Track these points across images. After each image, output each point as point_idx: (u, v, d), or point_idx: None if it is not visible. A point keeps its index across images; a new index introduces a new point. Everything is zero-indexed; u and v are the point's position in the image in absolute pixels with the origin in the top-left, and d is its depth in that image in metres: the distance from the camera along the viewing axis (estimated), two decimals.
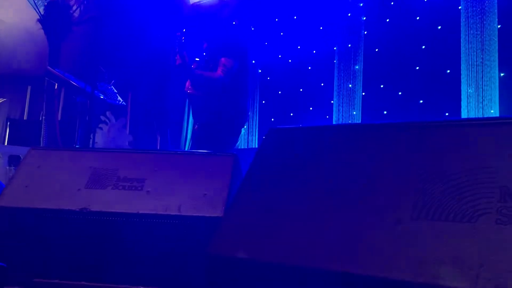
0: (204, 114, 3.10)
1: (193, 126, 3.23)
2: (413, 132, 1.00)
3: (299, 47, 7.12)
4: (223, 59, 2.99)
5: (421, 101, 6.22)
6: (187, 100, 3.25)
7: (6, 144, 6.99)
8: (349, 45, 6.69)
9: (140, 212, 1.63)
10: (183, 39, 2.98)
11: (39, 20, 7.27)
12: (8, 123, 7.45)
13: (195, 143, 3.17)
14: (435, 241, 0.78)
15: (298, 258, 0.85)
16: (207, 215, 1.57)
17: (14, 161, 5.67)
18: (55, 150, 1.93)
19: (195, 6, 3.17)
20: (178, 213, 1.61)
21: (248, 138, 7.17)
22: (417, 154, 0.94)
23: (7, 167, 5.67)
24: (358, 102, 6.73)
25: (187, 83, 3.14)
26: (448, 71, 6.07)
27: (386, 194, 0.91)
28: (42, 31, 7.27)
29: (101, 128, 7.00)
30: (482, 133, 0.91)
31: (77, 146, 3.51)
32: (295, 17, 7.12)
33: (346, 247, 0.85)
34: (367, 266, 0.80)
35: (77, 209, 1.66)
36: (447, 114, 6.00)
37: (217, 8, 3.20)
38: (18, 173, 1.82)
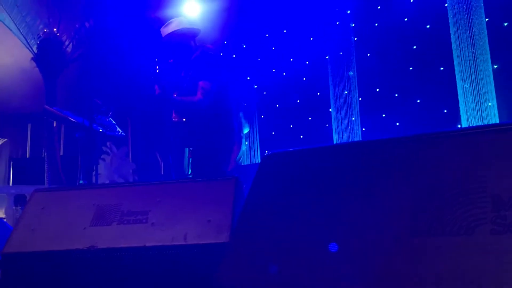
0: (192, 139, 3.14)
1: (188, 154, 3.26)
2: (401, 148, 1.00)
3: (291, 59, 7.18)
4: (201, 82, 3.08)
5: (418, 101, 6.25)
6: (174, 129, 3.29)
7: (11, 184, 7.02)
8: (341, 53, 6.75)
9: (147, 245, 1.63)
10: (157, 69, 3.04)
11: (33, 59, 7.35)
12: (11, 162, 7.50)
13: (192, 169, 3.20)
14: (433, 257, 0.78)
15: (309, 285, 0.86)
16: (213, 241, 1.57)
17: (20, 200, 5.69)
18: (58, 191, 1.94)
19: (169, 36, 3.23)
20: (184, 243, 1.61)
21: (251, 153, 7.19)
22: (408, 169, 0.95)
23: (14, 207, 5.69)
24: (356, 108, 6.76)
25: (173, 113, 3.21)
26: (442, 68, 6.11)
27: (383, 212, 0.91)
28: (37, 69, 7.35)
29: (103, 159, 7.04)
30: (470, 142, 0.92)
31: (80, 181, 3.53)
32: (285, 31, 7.20)
33: (350, 271, 0.86)
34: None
35: (84, 248, 1.67)
36: (445, 111, 6.02)
37: (189, 36, 3.27)
38: (23, 217, 1.83)
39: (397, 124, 6.35)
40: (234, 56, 7.42)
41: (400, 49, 6.30)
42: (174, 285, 1.57)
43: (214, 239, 1.59)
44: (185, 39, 3.25)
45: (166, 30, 3.25)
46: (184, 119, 3.17)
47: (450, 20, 5.81)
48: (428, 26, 6.20)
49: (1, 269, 1.79)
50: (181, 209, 1.73)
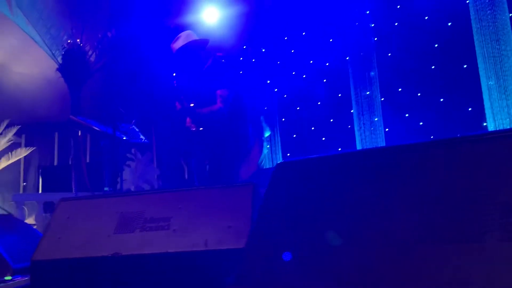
0: (211, 148, 3.21)
1: (204, 163, 3.34)
2: (411, 155, 1.00)
3: (311, 61, 7.16)
4: (218, 91, 3.16)
5: (441, 99, 6.15)
6: (188, 137, 3.38)
7: (40, 191, 7.21)
8: (361, 53, 6.69)
9: (169, 251, 1.67)
10: (175, 84, 3.13)
11: (58, 69, 7.55)
12: (40, 170, 7.70)
13: (210, 177, 3.27)
14: (443, 264, 0.78)
15: None
16: (233, 247, 1.60)
17: (49, 207, 5.84)
18: (82, 200, 2.01)
19: (180, 50, 3.32)
20: (205, 248, 1.64)
21: (272, 157, 7.21)
22: (417, 176, 0.95)
23: (43, 214, 5.85)
24: (378, 108, 6.69)
25: (188, 120, 3.28)
26: (465, 66, 5.99)
27: (394, 219, 0.91)
28: (62, 79, 7.54)
29: (129, 166, 7.17)
30: (479, 149, 0.91)
31: (106, 188, 3.61)
32: (304, 33, 7.19)
33: (361, 278, 0.86)
34: None
35: (109, 255, 1.72)
36: (470, 109, 5.91)
37: (199, 47, 3.36)
38: (50, 226, 1.90)
39: (421, 123, 6.26)
40: (253, 60, 7.45)
41: (421, 47, 6.21)
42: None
43: (233, 244, 1.61)
44: (196, 50, 3.35)
45: (176, 45, 3.35)
46: (201, 128, 3.24)
47: (472, 17, 5.70)
48: (449, 24, 6.10)
49: (31, 275, 1.86)
50: (201, 215, 1.76)
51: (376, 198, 0.98)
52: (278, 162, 1.20)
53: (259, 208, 1.19)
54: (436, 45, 6.18)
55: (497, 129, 5.43)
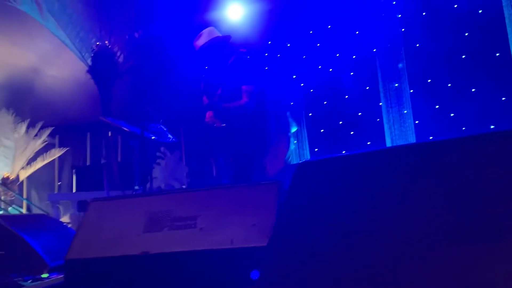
0: (237, 143, 3.22)
1: (226, 158, 3.35)
2: (434, 152, 0.98)
3: (337, 54, 7.08)
4: (244, 86, 3.17)
5: (473, 89, 5.98)
6: (209, 133, 3.39)
7: (74, 191, 7.43)
8: (389, 45, 6.57)
9: (196, 249, 1.70)
10: (204, 77, 3.16)
11: (88, 71, 7.74)
12: (74, 170, 7.93)
13: (233, 173, 3.28)
14: (466, 266, 0.76)
15: None
16: (258, 245, 1.61)
17: (83, 206, 6.01)
18: (112, 200, 2.06)
19: (203, 47, 3.34)
20: (231, 246, 1.66)
21: (300, 152, 7.17)
22: (442, 174, 0.93)
23: (77, 213, 6.03)
24: (407, 101, 6.56)
25: (208, 114, 3.29)
26: (498, 54, 5.81)
27: (418, 218, 0.90)
28: (92, 81, 7.73)
29: (158, 164, 7.29)
30: (504, 146, 0.88)
31: (136, 187, 3.68)
32: (329, 26, 7.11)
33: (387, 276, 0.86)
34: None
35: (139, 254, 1.76)
36: (503, 98, 5.72)
37: (221, 43, 3.38)
38: (82, 226, 1.96)
39: (452, 115, 6.10)
40: (279, 55, 7.42)
41: (451, 37, 6.04)
42: (222, 285, 1.63)
43: (259, 242, 1.62)
44: (219, 47, 3.37)
45: (199, 43, 3.38)
46: (223, 124, 3.26)
47: (504, 3, 5.52)
48: (480, 11, 5.92)
49: (65, 274, 1.93)
50: (227, 213, 1.78)
51: (400, 197, 0.97)
52: (299, 161, 1.20)
53: (281, 207, 1.20)
54: (466, 34, 6.01)
55: None
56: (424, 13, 6.34)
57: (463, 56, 6.02)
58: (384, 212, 0.96)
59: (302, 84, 7.36)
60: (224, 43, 3.42)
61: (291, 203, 1.12)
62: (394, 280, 0.85)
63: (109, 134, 3.94)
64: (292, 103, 7.28)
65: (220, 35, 3.47)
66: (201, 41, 3.37)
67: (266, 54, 7.42)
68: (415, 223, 0.95)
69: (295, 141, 7.10)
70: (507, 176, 0.90)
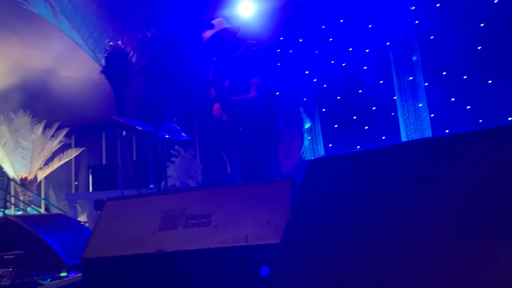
0: (241, 138, 3.17)
1: (235, 155, 3.31)
2: (448, 147, 0.96)
3: (350, 49, 7.02)
4: (252, 79, 3.11)
5: (490, 81, 5.88)
6: (217, 126, 3.33)
7: (90, 190, 7.51)
8: (402, 38, 6.50)
9: (211, 247, 1.70)
10: (212, 69, 3.12)
11: (102, 71, 7.81)
12: (90, 170, 8.01)
13: (241, 169, 3.24)
14: (478, 261, 0.75)
15: None
16: (273, 242, 1.61)
17: (99, 205, 6.08)
18: (127, 199, 2.07)
19: (211, 38, 3.30)
20: (246, 244, 1.66)
21: (314, 148, 7.14)
22: (455, 169, 0.90)
23: (94, 212, 6.10)
24: (422, 94, 6.48)
25: (215, 107, 3.25)
26: None
27: (431, 214, 0.88)
28: (106, 81, 7.80)
29: (173, 162, 7.34)
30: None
31: (151, 185, 3.71)
32: (341, 21, 7.05)
33: (399, 272, 0.84)
34: None
35: (154, 252, 1.77)
36: None
37: (230, 35, 3.32)
38: (98, 225, 1.98)
39: (468, 107, 6.01)
40: (291, 51, 7.39)
41: (466, 28, 5.94)
42: (238, 284, 1.63)
43: (273, 239, 1.62)
44: (227, 38, 3.31)
45: (207, 34, 3.33)
46: (230, 118, 3.21)
47: None
48: (496, 1, 5.81)
49: (83, 273, 1.95)
50: (241, 211, 1.78)
51: (413, 193, 0.95)
52: (311, 158, 1.19)
53: (293, 205, 1.19)
54: (482, 25, 5.90)
55: None
56: (438, 5, 6.25)
57: (479, 48, 5.92)
58: (397, 209, 0.95)
59: (315, 80, 7.32)
60: (233, 35, 3.37)
61: (303, 200, 1.11)
62: (408, 278, 0.84)
63: (124, 133, 3.97)
64: (305, 99, 7.25)
65: (229, 26, 3.42)
66: (209, 32, 3.33)
67: (279, 50, 7.40)
68: (429, 220, 0.93)
69: (309, 137, 7.07)
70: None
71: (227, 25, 3.41)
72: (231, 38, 3.35)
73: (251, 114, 3.11)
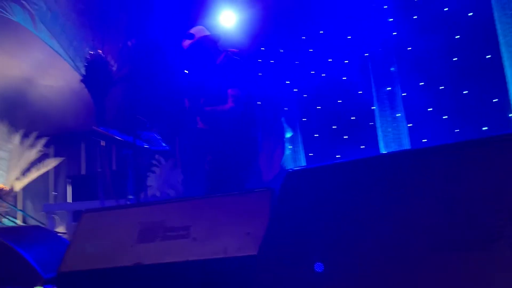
0: (215, 147, 3.16)
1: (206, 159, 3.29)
2: (423, 159, 0.99)
3: (330, 59, 7.12)
4: (230, 90, 3.09)
5: (465, 92, 6.02)
6: (198, 136, 3.32)
7: (69, 201, 7.39)
8: (380, 49, 6.62)
9: (189, 259, 1.70)
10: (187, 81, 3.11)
11: (82, 80, 7.73)
12: (69, 180, 7.88)
13: (210, 176, 3.21)
14: (454, 272, 0.77)
15: None
16: (253, 253, 1.61)
17: (78, 216, 5.99)
18: (105, 211, 2.06)
19: (191, 46, 3.29)
20: (225, 256, 1.66)
21: (295, 157, 7.19)
22: (430, 182, 0.93)
23: (73, 223, 6.00)
24: (400, 104, 6.60)
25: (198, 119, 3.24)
26: (488, 56, 5.86)
27: (405, 227, 0.90)
28: (86, 90, 7.72)
29: (153, 172, 7.27)
30: (491, 152, 0.89)
31: (130, 196, 3.68)
32: (321, 32, 7.15)
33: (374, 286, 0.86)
34: None
35: (132, 265, 1.76)
36: (495, 100, 5.77)
37: (210, 43, 3.32)
38: (74, 238, 1.95)
39: (445, 117, 6.14)
40: (272, 61, 7.45)
41: (442, 40, 6.09)
42: None
43: (253, 251, 1.62)
44: (206, 46, 3.30)
45: (186, 42, 3.32)
46: (207, 127, 3.20)
47: (494, 5, 5.57)
48: (470, 14, 5.97)
49: (58, 287, 1.92)
50: (220, 223, 1.78)
51: (389, 205, 0.97)
52: (290, 169, 1.20)
53: (270, 217, 1.20)
54: (457, 37, 6.06)
55: None
56: (415, 17, 6.40)
57: (455, 59, 6.07)
58: (373, 221, 0.97)
59: (295, 90, 7.39)
60: (213, 43, 3.35)
61: (281, 212, 1.13)
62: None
63: (103, 143, 3.94)
64: (286, 109, 7.30)
65: (209, 34, 3.40)
66: (189, 40, 3.31)
67: (260, 60, 7.45)
68: (406, 231, 0.95)
69: (290, 146, 7.11)
70: (500, 182, 0.90)
71: (207, 33, 3.40)
72: (211, 46, 3.34)
73: (225, 124, 3.10)
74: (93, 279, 1.78)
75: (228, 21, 7.14)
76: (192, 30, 3.37)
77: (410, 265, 0.90)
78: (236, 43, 6.32)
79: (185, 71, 3.25)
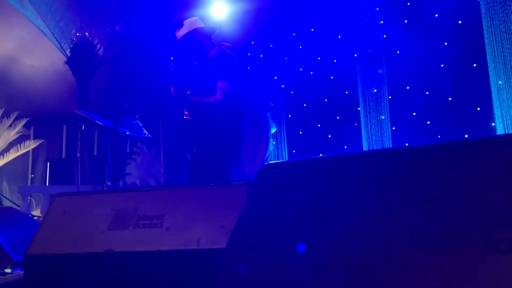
0: (200, 139, 3.14)
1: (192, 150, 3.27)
2: (403, 158, 0.98)
3: (319, 58, 7.12)
4: (219, 82, 3.07)
5: (450, 98, 6.08)
6: (183, 127, 3.29)
7: (47, 184, 7.27)
8: (369, 50, 6.63)
9: (161, 249, 1.67)
10: (172, 68, 3.07)
11: (67, 62, 7.59)
12: (48, 163, 7.76)
13: (194, 168, 3.20)
14: (435, 274, 0.76)
15: None
16: (225, 246, 1.59)
17: None
18: (78, 195, 2.01)
19: (184, 37, 3.26)
20: (197, 247, 1.64)
21: (278, 153, 7.18)
22: (410, 181, 0.92)
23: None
24: (385, 106, 6.63)
25: (185, 111, 3.22)
26: (475, 64, 5.92)
27: (386, 227, 0.89)
28: (70, 72, 7.59)
29: (134, 160, 7.19)
30: (478, 153, 0.88)
31: (108, 183, 3.62)
32: (312, 30, 7.14)
33: (342, 281, 0.85)
34: None
35: (102, 252, 1.72)
36: (478, 108, 5.84)
37: (204, 35, 3.29)
38: (45, 221, 1.90)
39: (428, 122, 6.20)
40: (261, 56, 7.42)
41: (430, 46, 6.14)
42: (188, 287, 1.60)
43: (225, 244, 1.60)
44: (200, 38, 3.27)
45: (180, 32, 3.28)
46: (187, 118, 3.17)
47: (483, 15, 5.63)
48: (460, 22, 6.02)
49: (25, 269, 1.87)
50: (194, 213, 1.75)
51: (360, 202, 0.96)
52: (264, 164, 1.18)
53: (242, 209, 1.18)
54: (445, 43, 6.11)
55: (506, 129, 5.36)
56: (406, 21, 6.43)
57: (442, 65, 6.12)
58: (345, 218, 0.95)
59: (283, 86, 7.37)
60: (206, 35, 3.32)
61: (252, 205, 1.11)
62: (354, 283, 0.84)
63: (83, 127, 3.87)
64: (272, 104, 7.28)
65: (203, 26, 3.36)
66: (182, 31, 3.28)
67: (249, 54, 7.41)
68: (380, 227, 0.94)
69: (274, 142, 7.10)
70: (483, 183, 0.90)
71: (202, 25, 3.36)
72: (204, 39, 3.31)
73: (212, 116, 3.08)
74: (62, 264, 1.74)
75: (219, 12, 7.09)
76: (187, 21, 3.33)
77: (387, 260, 0.89)
78: (227, 35, 6.28)
79: (172, 58, 3.21)
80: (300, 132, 7.22)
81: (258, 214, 1.07)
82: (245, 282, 0.94)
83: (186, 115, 3.22)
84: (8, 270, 2.67)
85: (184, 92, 3.08)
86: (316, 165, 1.08)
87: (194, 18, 3.46)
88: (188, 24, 3.31)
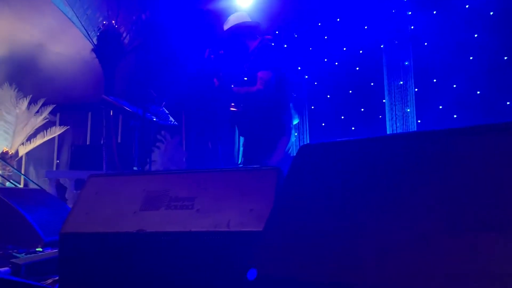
0: (246, 129, 3.19)
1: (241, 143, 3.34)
2: (439, 141, 0.97)
3: (344, 48, 7.03)
4: (259, 73, 3.11)
5: (478, 92, 5.95)
6: (232, 118, 3.35)
7: (72, 169, 7.41)
8: (396, 42, 6.53)
9: (192, 230, 1.69)
10: (215, 59, 3.12)
11: (93, 50, 7.69)
12: (73, 149, 7.90)
13: (244, 157, 3.27)
14: (468, 256, 0.75)
15: (339, 277, 0.86)
16: (255, 229, 1.60)
17: (80, 185, 6.01)
18: (111, 177, 2.05)
19: (230, 30, 3.33)
20: (227, 229, 1.66)
21: (300, 144, 7.16)
22: (444, 164, 0.91)
23: (74, 191, 6.03)
24: (411, 99, 6.53)
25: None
26: (506, 57, 5.77)
27: (415, 208, 0.89)
28: (97, 60, 7.69)
29: (158, 147, 7.28)
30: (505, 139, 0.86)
31: (135, 168, 3.68)
32: (338, 19, 7.06)
33: (378, 264, 0.85)
34: (397, 282, 0.79)
35: (134, 231, 1.75)
36: (508, 103, 5.70)
37: (249, 29, 3.34)
38: (79, 200, 1.95)
39: (455, 116, 6.08)
40: (285, 46, 7.38)
41: (460, 37, 5.99)
42: (216, 269, 1.62)
43: (255, 227, 1.61)
44: (245, 32, 3.34)
45: (225, 26, 3.37)
46: (233, 109, 3.23)
47: None
48: (491, 13, 5.87)
49: (59, 248, 1.92)
50: (225, 197, 1.77)
51: (399, 185, 0.95)
52: (302, 145, 1.18)
53: (280, 191, 1.19)
54: (476, 35, 5.96)
55: None
56: (434, 12, 6.29)
57: (471, 58, 5.98)
58: (384, 201, 0.95)
59: (306, 77, 7.32)
60: (253, 29, 3.39)
61: (291, 186, 1.11)
62: (391, 267, 0.84)
63: (111, 113, 3.93)
64: (295, 95, 7.24)
65: (250, 20, 3.45)
66: (229, 23, 3.37)
67: (273, 44, 7.38)
68: (413, 211, 0.93)
69: (296, 134, 7.08)
70: (508, 167, 0.88)
71: (247, 19, 3.44)
72: (249, 32, 3.38)
73: (251, 106, 3.12)
74: (95, 242, 1.78)
75: (244, 1, 7.06)
76: (233, 15, 3.42)
77: (417, 245, 0.89)
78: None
79: (208, 49, 3.26)
80: (323, 124, 7.17)
81: (295, 198, 1.07)
82: (285, 265, 0.95)
83: (232, 106, 3.28)
84: (39, 250, 2.75)
85: (228, 84, 3.14)
86: (355, 146, 1.08)
87: (240, 12, 3.55)
88: (234, 17, 3.40)
